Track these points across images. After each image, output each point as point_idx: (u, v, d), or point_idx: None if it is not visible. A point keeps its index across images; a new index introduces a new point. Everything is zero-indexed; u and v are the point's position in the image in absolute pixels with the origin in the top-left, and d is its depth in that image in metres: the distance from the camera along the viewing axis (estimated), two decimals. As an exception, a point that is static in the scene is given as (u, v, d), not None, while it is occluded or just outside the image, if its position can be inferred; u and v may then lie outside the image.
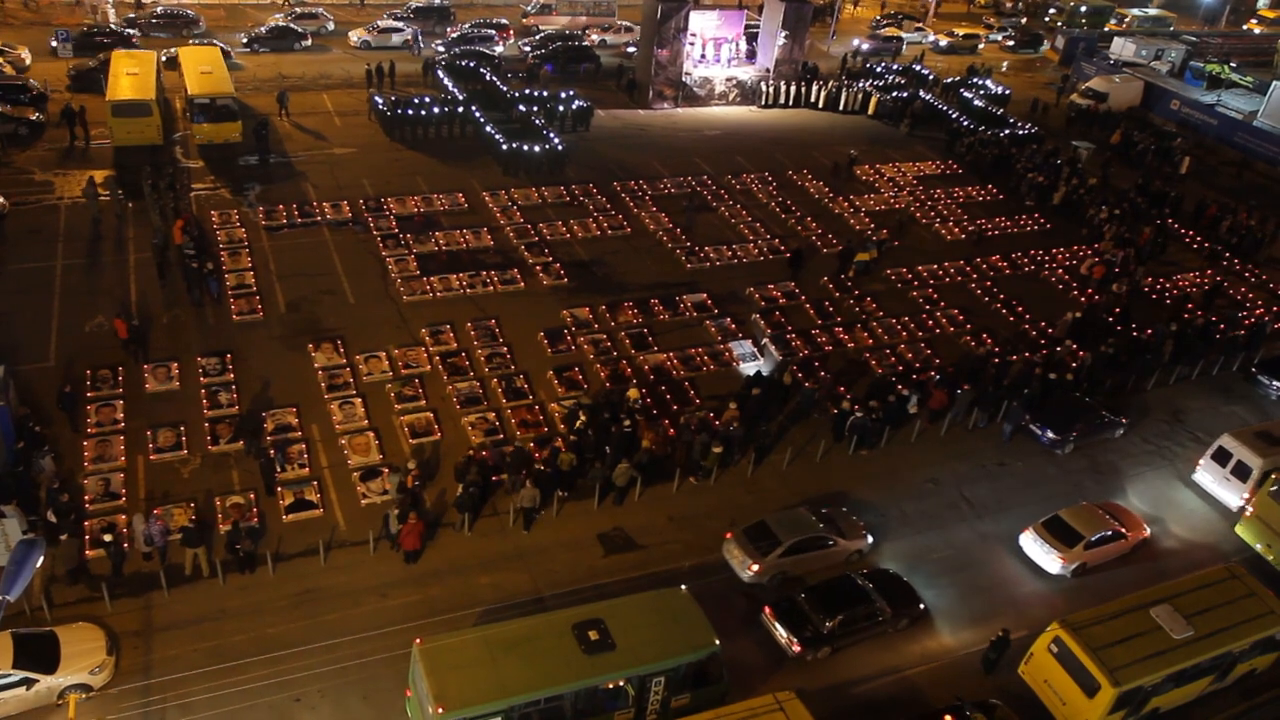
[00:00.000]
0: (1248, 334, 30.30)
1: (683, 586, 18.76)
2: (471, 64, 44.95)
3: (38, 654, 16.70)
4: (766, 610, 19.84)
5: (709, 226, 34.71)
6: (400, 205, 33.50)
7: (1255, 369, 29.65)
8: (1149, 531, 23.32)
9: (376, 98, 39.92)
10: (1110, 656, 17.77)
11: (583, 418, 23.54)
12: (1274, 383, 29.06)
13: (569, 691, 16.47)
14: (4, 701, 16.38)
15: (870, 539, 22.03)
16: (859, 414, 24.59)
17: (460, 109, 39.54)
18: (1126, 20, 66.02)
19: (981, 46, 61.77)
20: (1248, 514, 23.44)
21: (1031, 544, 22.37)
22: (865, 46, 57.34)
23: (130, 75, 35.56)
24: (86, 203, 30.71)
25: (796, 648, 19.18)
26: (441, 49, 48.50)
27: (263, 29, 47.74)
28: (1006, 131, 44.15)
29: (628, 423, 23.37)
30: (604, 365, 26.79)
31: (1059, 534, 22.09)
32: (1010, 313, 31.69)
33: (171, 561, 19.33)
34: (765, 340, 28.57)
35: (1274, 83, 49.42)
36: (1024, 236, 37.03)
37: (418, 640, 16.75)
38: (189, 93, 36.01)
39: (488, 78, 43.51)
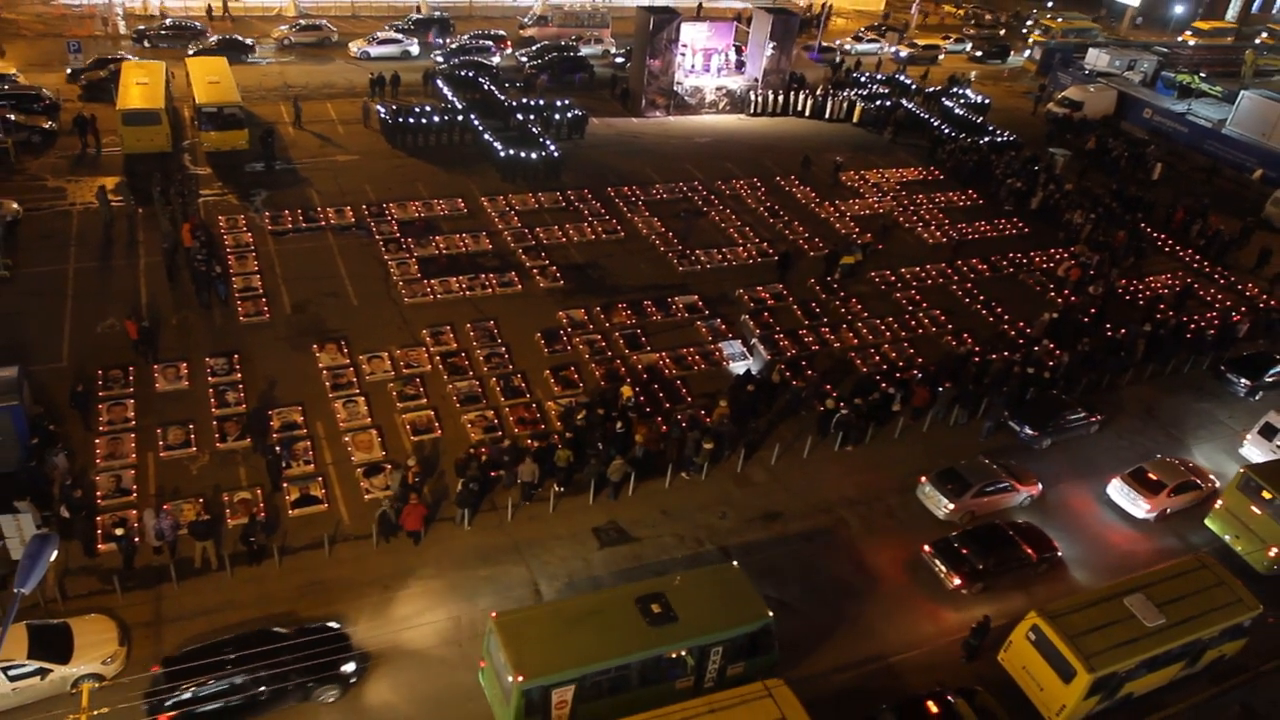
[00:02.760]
0: (1217, 333, 31.10)
1: (734, 563, 19.58)
2: (470, 74, 45.39)
3: (52, 645, 17.02)
4: (926, 549, 22.20)
5: (700, 231, 35.13)
6: (402, 210, 33.81)
7: (1224, 367, 30.38)
8: (1217, 483, 25.21)
9: (379, 107, 40.27)
10: (1086, 643, 18.23)
11: (581, 414, 23.91)
12: (1242, 380, 29.82)
13: (636, 661, 17.10)
14: (19, 691, 16.59)
15: (1040, 486, 24.30)
16: (844, 411, 25.06)
17: (460, 118, 39.95)
18: (1050, 30, 66.73)
19: (941, 57, 61.88)
20: (1218, 506, 24.13)
21: (1119, 493, 24.60)
22: (806, 57, 57.81)
23: (140, 85, 35.92)
24: (100, 208, 30.87)
25: (957, 580, 21.48)
26: (441, 59, 49.01)
27: (212, 39, 47.23)
28: (986, 139, 44.93)
29: (620, 423, 23.73)
30: (599, 365, 27.18)
31: (1144, 483, 24.24)
32: (990, 313, 32.28)
33: (181, 555, 19.58)
34: (754, 340, 29.18)
35: (1241, 92, 50.45)
36: (1003, 240, 37.64)
37: (493, 613, 17.36)
38: (197, 102, 36.36)
39: (486, 87, 43.85)
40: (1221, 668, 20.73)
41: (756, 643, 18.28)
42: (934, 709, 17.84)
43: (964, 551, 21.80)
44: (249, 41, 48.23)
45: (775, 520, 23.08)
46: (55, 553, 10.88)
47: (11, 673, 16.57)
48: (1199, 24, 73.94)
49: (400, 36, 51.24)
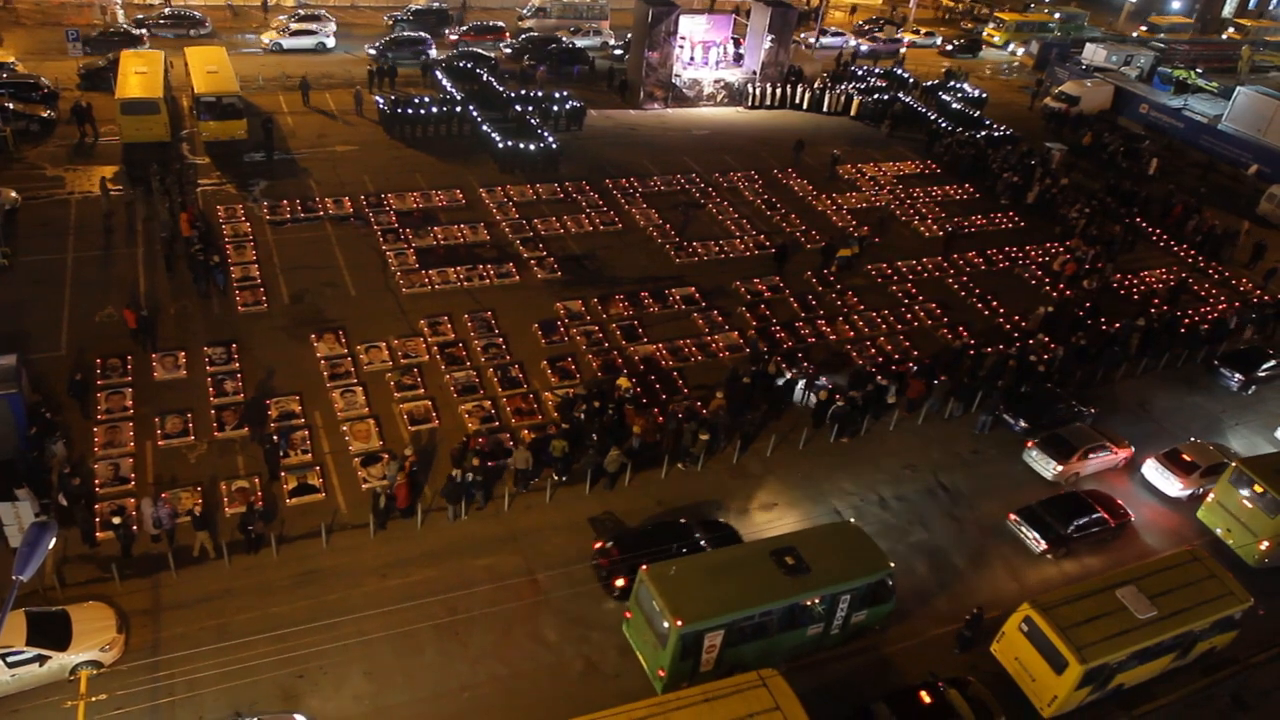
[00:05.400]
0: (1210, 329, 31.26)
1: (852, 519, 20.62)
2: (469, 65, 45.29)
3: (50, 632, 17.14)
4: (1011, 516, 23.41)
5: (697, 223, 35.25)
6: (400, 201, 33.91)
7: (1216, 362, 30.57)
8: None
9: (377, 98, 40.25)
10: (1078, 635, 18.44)
11: (581, 407, 24.01)
12: (1234, 375, 29.99)
13: (777, 608, 18.35)
14: (18, 677, 16.73)
15: (1132, 449, 25.98)
16: (840, 403, 25.23)
17: (458, 109, 39.97)
18: (1004, 23, 66.53)
19: (903, 51, 61.53)
20: (1209, 500, 24.35)
21: (1154, 472, 25.76)
22: (805, 51, 57.84)
23: (139, 74, 35.85)
24: (101, 197, 30.88)
25: (1043, 545, 22.65)
26: (374, 52, 46.71)
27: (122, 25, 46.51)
28: (983, 133, 45.03)
29: (616, 414, 23.85)
30: (596, 356, 27.30)
31: (1178, 464, 25.34)
32: (985, 307, 32.42)
33: (179, 543, 19.69)
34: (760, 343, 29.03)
35: (1237, 88, 50.56)
36: (999, 234, 37.75)
37: (643, 566, 18.49)
38: (195, 91, 36.24)
39: (485, 79, 43.88)
40: (1212, 659, 20.91)
41: (877, 593, 19.45)
42: (927, 699, 18.02)
43: (1048, 518, 22.90)
44: (139, 33, 46.09)
45: (770, 511, 23.21)
46: (54, 540, 10.93)
47: (10, 659, 16.71)
48: (1155, 19, 74.05)
49: (315, 27, 49.13)
